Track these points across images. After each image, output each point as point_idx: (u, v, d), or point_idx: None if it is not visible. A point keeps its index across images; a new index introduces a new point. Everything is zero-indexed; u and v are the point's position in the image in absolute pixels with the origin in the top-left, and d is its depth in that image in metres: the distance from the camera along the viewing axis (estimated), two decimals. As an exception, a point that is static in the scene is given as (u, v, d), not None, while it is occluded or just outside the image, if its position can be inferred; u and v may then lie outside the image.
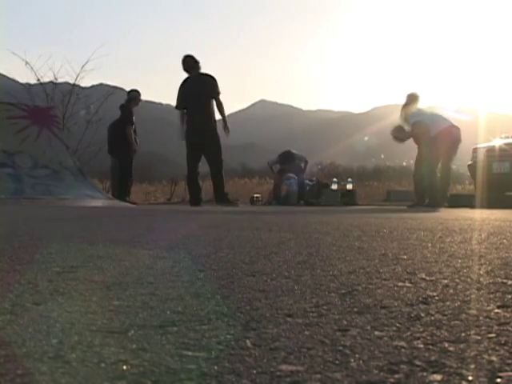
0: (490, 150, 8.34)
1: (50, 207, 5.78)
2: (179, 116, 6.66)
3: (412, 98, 7.26)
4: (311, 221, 3.20)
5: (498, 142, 8.65)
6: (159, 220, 3.28)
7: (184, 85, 6.63)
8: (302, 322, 0.63)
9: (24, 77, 14.27)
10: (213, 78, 6.55)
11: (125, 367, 0.46)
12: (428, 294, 0.81)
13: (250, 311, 0.68)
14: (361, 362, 0.48)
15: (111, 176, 9.13)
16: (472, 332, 0.58)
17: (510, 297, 0.78)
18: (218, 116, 6.71)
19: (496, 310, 0.69)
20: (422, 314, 0.67)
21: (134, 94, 8.38)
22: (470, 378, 0.44)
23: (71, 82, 13.10)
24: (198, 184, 6.81)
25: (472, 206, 7.08)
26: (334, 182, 10.92)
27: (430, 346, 0.53)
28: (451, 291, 0.82)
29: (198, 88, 6.43)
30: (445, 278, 0.94)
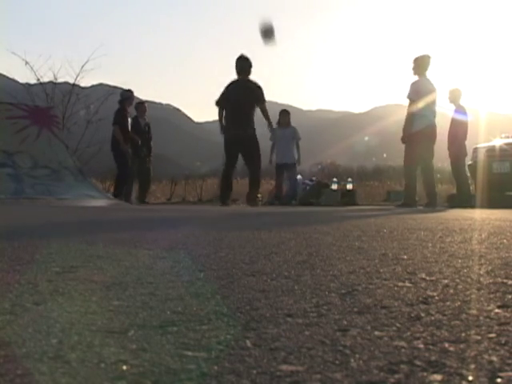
0: (490, 150, 8.34)
1: (50, 207, 5.78)
2: (219, 112, 6.86)
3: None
4: (311, 221, 3.20)
5: (498, 142, 8.65)
6: (159, 220, 3.28)
7: (232, 86, 6.83)
8: (302, 322, 0.63)
9: (24, 77, 14.29)
10: (260, 88, 6.83)
11: (125, 367, 0.46)
12: (428, 293, 0.81)
13: (250, 311, 0.68)
14: (361, 361, 0.48)
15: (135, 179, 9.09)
16: (472, 332, 0.58)
17: (510, 297, 0.78)
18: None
19: (496, 310, 0.69)
20: (422, 314, 0.67)
21: (126, 94, 8.40)
22: (470, 378, 0.44)
23: (71, 81, 13.11)
24: (231, 183, 7.03)
25: (472, 206, 7.08)
26: (334, 182, 10.91)
27: (430, 346, 0.53)
28: (451, 291, 0.82)
29: (246, 94, 6.67)
30: (445, 278, 0.94)
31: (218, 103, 6.88)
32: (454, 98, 7.55)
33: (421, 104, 6.60)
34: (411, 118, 6.64)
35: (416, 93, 6.65)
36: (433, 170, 6.95)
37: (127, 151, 8.19)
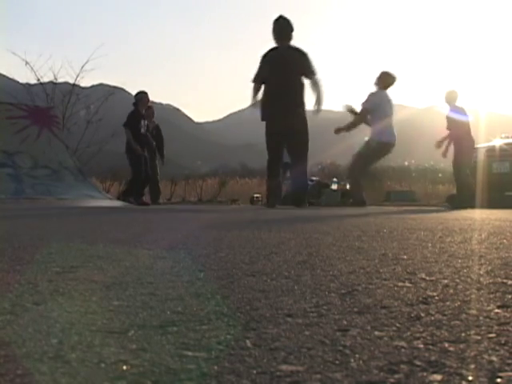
0: (490, 150, 8.35)
1: (49, 207, 5.78)
2: (253, 89, 5.52)
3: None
4: (311, 221, 3.20)
5: (498, 142, 8.66)
6: (159, 220, 3.28)
7: (269, 55, 5.39)
8: (302, 322, 0.63)
9: (24, 77, 14.28)
10: (306, 54, 5.41)
11: (125, 367, 0.46)
12: (428, 293, 0.81)
13: (250, 311, 0.68)
14: (361, 361, 0.48)
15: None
16: (472, 332, 0.58)
17: (510, 297, 0.78)
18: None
19: (496, 310, 0.69)
20: (422, 314, 0.67)
21: (139, 96, 8.33)
22: (470, 378, 0.44)
23: (71, 81, 13.12)
24: (279, 180, 5.67)
25: (472, 206, 7.08)
26: (334, 182, 10.91)
27: (430, 346, 0.53)
28: (451, 291, 0.82)
29: (289, 62, 5.27)
30: (445, 278, 0.94)
31: (255, 80, 5.45)
32: (450, 99, 7.54)
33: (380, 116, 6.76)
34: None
35: (373, 104, 6.81)
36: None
37: (140, 152, 8.14)
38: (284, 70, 5.26)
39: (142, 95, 8.29)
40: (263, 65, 5.43)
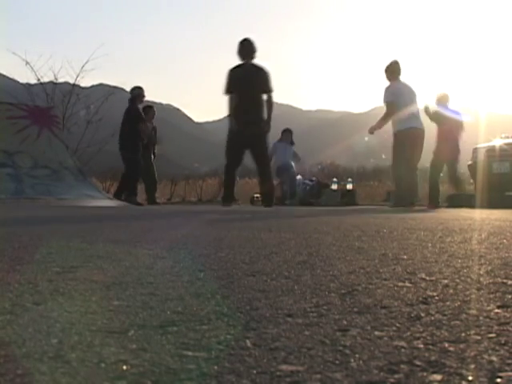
0: (490, 150, 8.34)
1: (50, 207, 5.78)
2: (228, 101, 6.06)
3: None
4: (311, 221, 3.20)
5: (498, 142, 8.64)
6: (159, 220, 3.28)
7: (235, 71, 6.01)
8: (302, 322, 0.63)
9: (24, 77, 14.28)
10: (267, 72, 5.99)
11: (125, 367, 0.46)
12: (428, 293, 0.81)
13: (250, 311, 0.68)
14: (361, 362, 0.48)
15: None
16: (472, 332, 0.58)
17: (510, 297, 0.78)
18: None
19: (496, 310, 0.69)
20: (422, 314, 0.67)
21: (137, 92, 8.32)
22: (470, 378, 0.44)
23: (71, 81, 13.10)
24: (234, 181, 6.17)
25: (472, 206, 7.08)
26: (334, 182, 10.91)
27: (430, 346, 0.53)
28: (451, 291, 0.82)
29: (253, 78, 5.88)
30: (445, 278, 0.94)
31: (226, 92, 5.99)
32: (441, 102, 7.48)
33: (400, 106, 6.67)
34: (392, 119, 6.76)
35: (391, 95, 6.74)
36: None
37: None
38: (248, 85, 5.86)
39: (139, 91, 8.29)
40: (230, 79, 6.01)
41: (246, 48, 6.06)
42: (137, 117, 8.01)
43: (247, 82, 5.88)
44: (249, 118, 5.84)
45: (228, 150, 6.04)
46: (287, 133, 10.01)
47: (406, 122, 6.65)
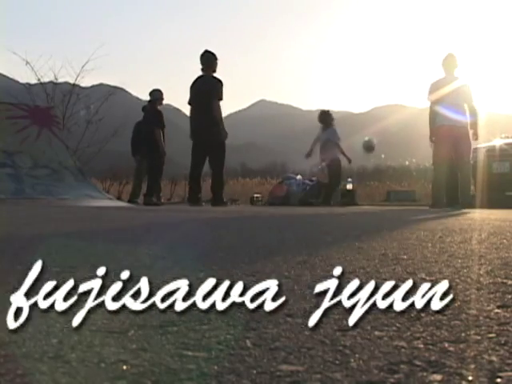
0: (490, 150, 8.33)
1: (50, 207, 5.78)
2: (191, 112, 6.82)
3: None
4: (311, 221, 3.20)
5: (498, 142, 8.64)
6: (159, 220, 3.28)
7: (195, 84, 6.75)
8: (302, 322, 0.63)
9: (24, 77, 14.25)
10: (219, 81, 6.68)
11: (125, 367, 0.46)
12: (428, 293, 0.80)
13: (250, 311, 0.68)
14: (361, 362, 0.48)
15: (134, 178, 8.98)
16: (472, 332, 0.58)
17: (510, 297, 0.78)
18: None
19: (496, 310, 0.69)
20: (422, 314, 0.67)
21: (157, 94, 8.33)
22: (470, 377, 0.44)
23: (71, 81, 13.10)
24: (199, 183, 6.85)
25: (472, 206, 7.08)
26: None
27: (430, 346, 0.53)
28: (451, 291, 0.82)
29: (204, 88, 6.55)
30: (445, 278, 0.94)
31: (190, 102, 6.79)
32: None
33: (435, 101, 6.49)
34: (432, 115, 6.55)
35: (429, 92, 6.59)
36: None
37: (164, 154, 8.17)
38: (204, 95, 6.54)
39: (160, 94, 8.31)
40: (191, 90, 6.81)
41: (206, 60, 6.70)
42: (155, 119, 8.05)
43: (200, 93, 6.57)
44: (204, 125, 6.53)
45: (192, 156, 6.75)
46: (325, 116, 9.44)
47: (439, 118, 6.41)
